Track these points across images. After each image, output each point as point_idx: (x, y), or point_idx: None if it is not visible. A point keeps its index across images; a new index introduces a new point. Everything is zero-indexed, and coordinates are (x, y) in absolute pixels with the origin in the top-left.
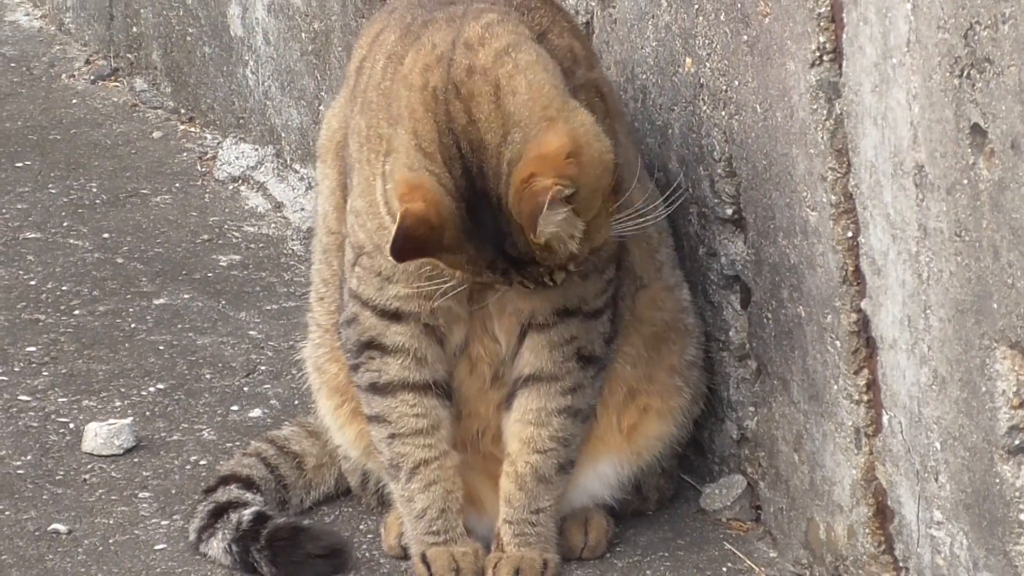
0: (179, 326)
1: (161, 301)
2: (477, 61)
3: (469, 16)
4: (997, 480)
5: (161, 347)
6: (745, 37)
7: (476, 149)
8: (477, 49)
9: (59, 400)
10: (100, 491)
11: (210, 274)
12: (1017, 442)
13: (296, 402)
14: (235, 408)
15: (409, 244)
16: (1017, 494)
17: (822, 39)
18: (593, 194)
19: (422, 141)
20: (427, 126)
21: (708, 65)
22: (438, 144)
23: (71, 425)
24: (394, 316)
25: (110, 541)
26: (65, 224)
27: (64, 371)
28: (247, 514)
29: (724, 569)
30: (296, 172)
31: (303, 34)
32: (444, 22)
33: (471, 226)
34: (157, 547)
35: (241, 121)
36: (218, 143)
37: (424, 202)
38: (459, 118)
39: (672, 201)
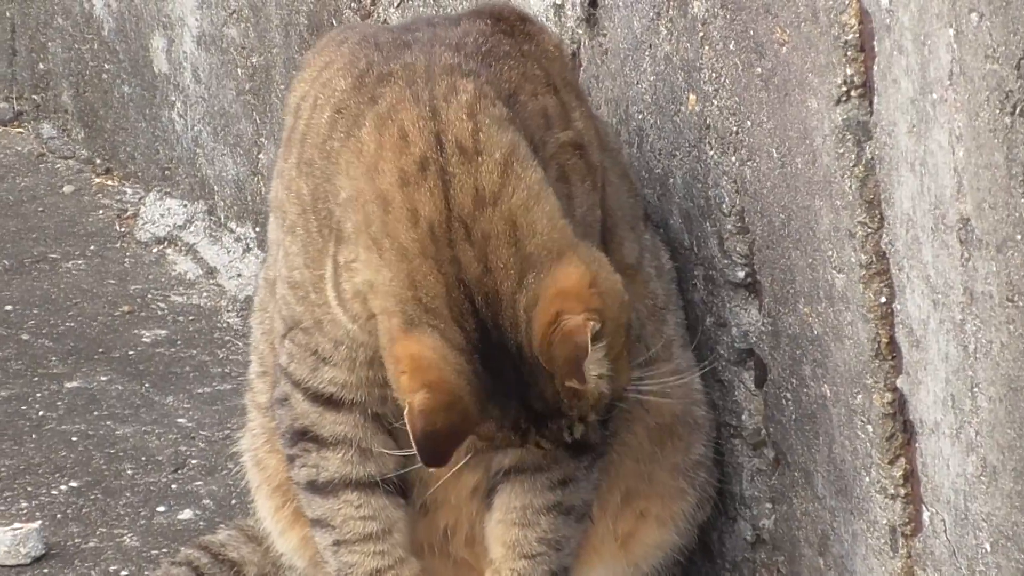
0: (95, 413)
1: (74, 384)
2: (482, 183)
3: (438, 83)
4: None
5: (74, 438)
6: (759, 70)
7: (491, 301)
8: (475, 160)
9: None
10: None
11: (131, 352)
12: None
13: (233, 501)
14: (161, 509)
15: (436, 446)
16: None
17: (849, 71)
18: (617, 329)
19: (423, 294)
20: (430, 277)
21: (715, 103)
22: (445, 299)
23: None
24: (330, 402)
25: None
26: None
27: None
28: None
29: None
30: (232, 232)
31: (239, 70)
32: (406, 85)
33: (491, 383)
34: None
35: (167, 172)
36: (140, 199)
37: (430, 390)
38: (471, 267)
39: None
